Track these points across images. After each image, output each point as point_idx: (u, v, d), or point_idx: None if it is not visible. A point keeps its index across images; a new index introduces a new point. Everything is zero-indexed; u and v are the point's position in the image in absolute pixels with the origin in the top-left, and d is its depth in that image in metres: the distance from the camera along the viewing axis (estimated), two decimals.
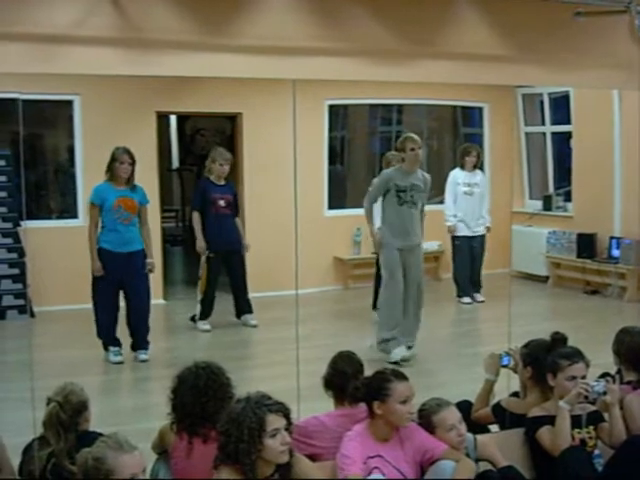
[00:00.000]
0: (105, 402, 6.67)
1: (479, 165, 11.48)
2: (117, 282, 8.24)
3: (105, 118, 10.86)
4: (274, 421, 3.63)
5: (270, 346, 9.12)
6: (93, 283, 8.29)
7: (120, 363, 8.18)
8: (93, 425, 4.30)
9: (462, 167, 11.26)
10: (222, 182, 9.64)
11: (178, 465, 4.12)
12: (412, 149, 7.99)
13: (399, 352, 7.99)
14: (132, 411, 6.87)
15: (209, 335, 9.49)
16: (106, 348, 8.34)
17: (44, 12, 4.39)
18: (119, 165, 8.13)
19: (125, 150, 8.21)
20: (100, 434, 3.91)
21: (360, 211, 12.48)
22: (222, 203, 9.54)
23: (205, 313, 9.68)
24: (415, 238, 8.18)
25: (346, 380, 4.52)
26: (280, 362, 8.26)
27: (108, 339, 8.32)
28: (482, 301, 11.28)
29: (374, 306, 9.86)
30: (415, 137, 8.12)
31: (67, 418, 4.06)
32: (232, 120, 12.82)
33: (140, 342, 8.39)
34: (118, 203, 8.12)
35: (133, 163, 8.18)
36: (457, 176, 11.27)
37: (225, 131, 16.33)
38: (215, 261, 9.58)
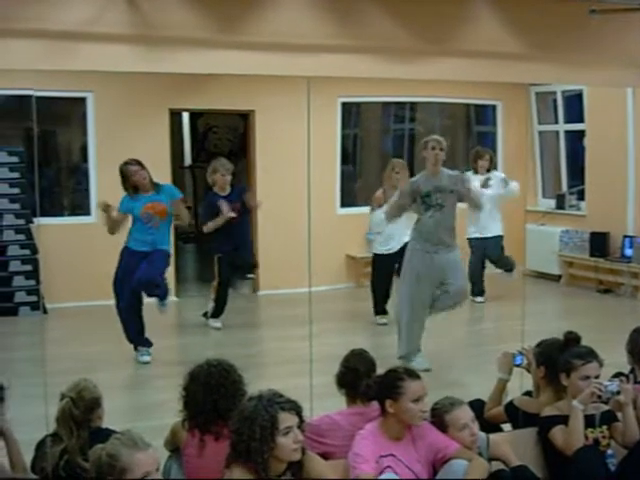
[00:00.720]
0: (117, 399, 6.68)
1: (492, 167, 11.34)
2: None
3: (118, 115, 10.88)
4: (286, 419, 3.62)
5: (282, 344, 9.11)
6: (115, 288, 8.32)
7: (147, 363, 8.17)
8: (106, 422, 4.31)
9: (475, 171, 11.15)
10: (227, 191, 9.59)
11: (190, 462, 4.12)
12: (433, 148, 7.77)
13: (422, 361, 7.80)
14: (144, 408, 6.89)
15: (220, 333, 9.49)
16: (136, 348, 8.33)
17: (58, 9, 4.40)
18: (133, 176, 8.10)
19: (129, 162, 8.18)
20: (113, 431, 3.91)
21: None
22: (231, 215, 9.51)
23: (218, 312, 9.69)
24: (447, 242, 7.84)
25: (358, 378, 4.52)
26: (292, 360, 8.26)
27: (139, 342, 8.32)
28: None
29: (377, 311, 9.88)
30: (439, 138, 7.93)
31: (80, 414, 4.07)
32: (245, 118, 12.82)
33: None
34: (145, 210, 8.11)
35: (144, 167, 8.15)
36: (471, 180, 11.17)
37: (238, 129, 16.32)
38: (225, 262, 9.57)
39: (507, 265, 11.36)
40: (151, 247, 8.16)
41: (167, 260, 8.39)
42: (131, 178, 8.10)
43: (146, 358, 8.21)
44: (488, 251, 11.22)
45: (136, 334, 8.29)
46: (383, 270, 9.91)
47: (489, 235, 11.13)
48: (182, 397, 4.21)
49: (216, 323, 9.68)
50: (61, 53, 4.42)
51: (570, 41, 5.93)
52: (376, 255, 10.01)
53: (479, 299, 11.22)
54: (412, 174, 11.43)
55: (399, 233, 9.42)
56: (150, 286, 8.20)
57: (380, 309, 9.94)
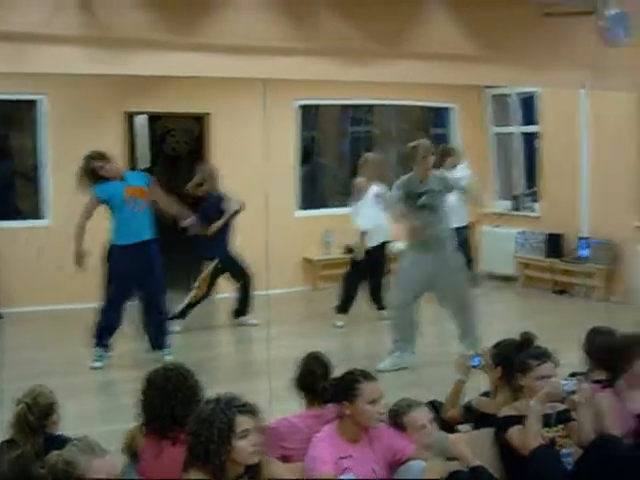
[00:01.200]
0: (73, 404, 6.62)
1: (458, 162, 11.35)
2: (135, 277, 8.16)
3: (73, 118, 10.79)
4: (244, 422, 3.60)
5: (239, 347, 9.09)
6: (110, 279, 8.29)
7: (99, 369, 8.10)
8: (62, 428, 4.27)
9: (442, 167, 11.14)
10: None
11: (147, 468, 4.09)
12: (424, 157, 7.91)
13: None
14: (101, 413, 6.83)
15: (179, 337, 9.44)
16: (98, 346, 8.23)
17: (8, 11, 4.35)
18: (99, 170, 8.04)
19: (94, 157, 8.12)
20: (68, 438, 3.88)
21: (330, 211, 12.56)
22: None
23: (183, 315, 9.68)
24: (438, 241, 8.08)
25: (316, 380, 4.52)
26: (249, 363, 8.27)
27: (104, 342, 8.24)
28: None
29: (340, 309, 9.89)
30: (427, 144, 8.09)
31: (35, 420, 4.03)
32: (200, 120, 12.77)
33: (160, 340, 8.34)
34: (129, 194, 8.03)
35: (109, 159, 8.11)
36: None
37: (194, 131, 16.27)
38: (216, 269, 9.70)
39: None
40: (140, 237, 8.07)
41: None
42: (106, 169, 8.03)
43: (98, 364, 8.10)
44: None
45: (108, 332, 8.23)
46: (360, 266, 9.90)
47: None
48: (139, 402, 4.18)
49: (176, 327, 9.66)
50: (12, 55, 4.38)
51: (524, 43, 5.99)
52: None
53: None
54: None
55: (375, 231, 9.60)
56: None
57: (343, 308, 9.94)
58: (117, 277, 8.20)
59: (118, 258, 8.17)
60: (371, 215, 9.63)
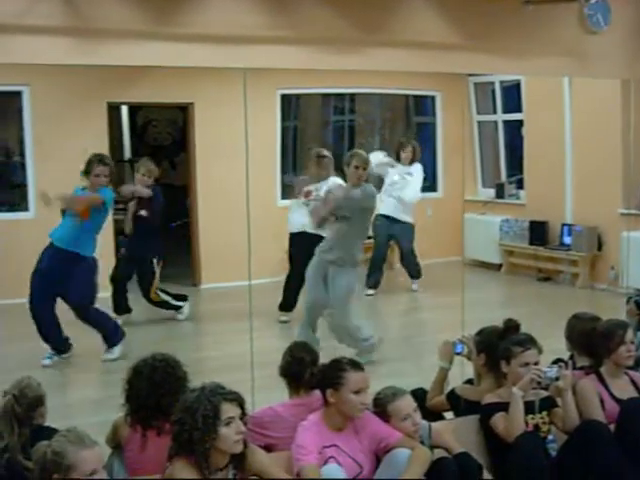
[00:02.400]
0: (58, 396, 6.61)
1: (416, 159, 11.20)
2: None
3: (55, 109, 10.74)
4: (229, 410, 3.62)
5: (223, 337, 9.08)
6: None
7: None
8: (50, 418, 4.27)
9: (398, 161, 11.11)
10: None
11: (132, 458, 4.10)
12: (356, 167, 7.60)
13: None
14: (85, 404, 6.82)
15: (160, 327, 9.42)
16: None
17: None
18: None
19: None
20: (55, 429, 3.88)
21: None
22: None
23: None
24: (338, 253, 7.73)
25: (304, 368, 4.52)
26: (233, 354, 8.24)
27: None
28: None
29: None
30: (363, 156, 7.77)
31: (22, 412, 4.03)
32: (184, 110, 12.74)
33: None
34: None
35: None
36: (392, 173, 11.12)
37: (177, 121, 16.23)
38: None
39: (414, 270, 11.49)
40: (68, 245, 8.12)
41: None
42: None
43: (48, 362, 8.02)
44: (399, 238, 11.23)
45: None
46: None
47: (399, 219, 11.14)
48: (125, 391, 4.18)
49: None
50: None
51: (506, 31, 5.99)
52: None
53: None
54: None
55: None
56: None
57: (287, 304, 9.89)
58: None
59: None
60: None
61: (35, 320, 7.98)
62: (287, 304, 9.79)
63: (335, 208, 7.64)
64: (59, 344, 8.09)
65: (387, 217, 10.95)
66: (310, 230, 8.83)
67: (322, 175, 9.31)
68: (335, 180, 8.98)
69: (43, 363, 7.91)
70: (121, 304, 9.61)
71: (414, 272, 11.41)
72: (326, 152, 9.64)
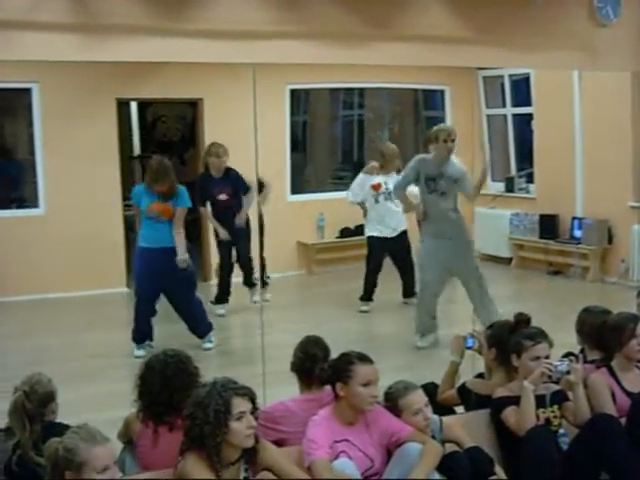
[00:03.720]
0: (70, 392, 6.62)
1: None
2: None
3: (65, 106, 10.76)
4: (240, 404, 3.63)
5: (234, 332, 9.09)
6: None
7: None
8: (60, 414, 4.28)
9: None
10: (220, 175, 9.58)
11: (144, 454, 4.11)
12: (445, 141, 7.86)
13: (423, 341, 8.21)
14: (98, 400, 6.83)
15: (176, 325, 9.43)
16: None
17: None
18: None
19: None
20: (66, 425, 3.89)
21: (323, 195, 12.57)
22: (222, 197, 9.50)
23: (222, 297, 9.85)
24: (447, 228, 8.08)
25: (316, 364, 4.52)
26: (244, 348, 8.27)
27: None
28: None
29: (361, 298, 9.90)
30: (449, 129, 8.03)
31: (33, 408, 4.04)
32: (193, 106, 12.74)
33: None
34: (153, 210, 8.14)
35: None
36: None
37: (186, 117, 16.22)
38: (224, 246, 9.67)
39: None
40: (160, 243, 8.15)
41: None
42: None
43: (140, 352, 8.05)
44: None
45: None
46: (373, 254, 9.93)
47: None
48: (137, 386, 4.20)
49: (221, 310, 9.79)
50: (2, 43, 4.35)
51: (516, 24, 5.97)
52: (368, 238, 10.00)
53: None
54: (362, 162, 11.52)
55: (393, 219, 9.69)
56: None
57: (364, 296, 9.92)
58: (136, 276, 8.34)
59: (137, 258, 8.30)
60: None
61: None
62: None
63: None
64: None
65: None
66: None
67: (389, 169, 9.71)
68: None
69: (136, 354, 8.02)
70: None
71: None
72: (392, 146, 10.00)
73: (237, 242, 9.64)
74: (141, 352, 8.03)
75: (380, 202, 9.69)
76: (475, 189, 8.13)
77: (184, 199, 8.17)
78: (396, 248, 9.80)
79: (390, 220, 9.72)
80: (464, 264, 8.17)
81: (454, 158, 8.04)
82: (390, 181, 9.47)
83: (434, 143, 7.96)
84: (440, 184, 7.93)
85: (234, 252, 9.73)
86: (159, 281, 8.09)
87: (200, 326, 8.37)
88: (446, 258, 8.03)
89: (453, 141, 7.88)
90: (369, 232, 9.92)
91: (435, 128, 8.11)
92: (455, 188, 8.04)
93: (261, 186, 9.58)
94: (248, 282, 9.98)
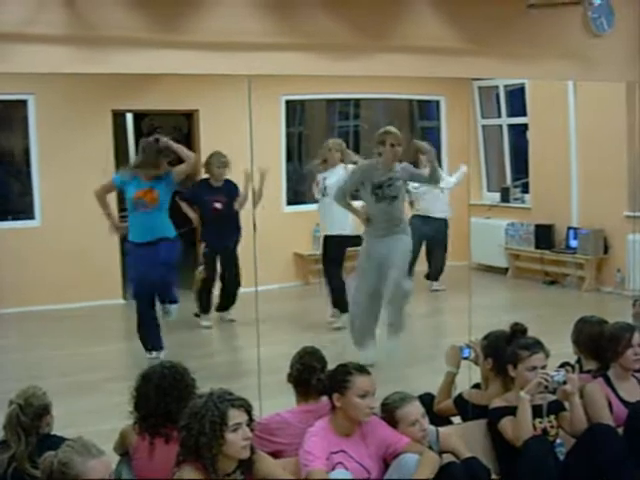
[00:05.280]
0: (65, 404, 6.61)
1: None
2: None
3: (60, 118, 10.77)
4: (236, 416, 3.63)
5: (228, 344, 9.07)
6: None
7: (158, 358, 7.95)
8: (57, 426, 4.27)
9: (415, 166, 11.18)
10: (219, 184, 9.60)
11: (140, 466, 4.10)
12: (392, 145, 7.65)
13: (367, 356, 7.57)
14: (93, 412, 6.82)
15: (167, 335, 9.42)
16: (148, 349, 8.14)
17: None
18: None
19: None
20: (61, 438, 3.89)
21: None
22: (217, 206, 9.50)
23: (205, 308, 9.77)
24: (394, 230, 7.78)
25: (314, 375, 4.52)
26: (240, 360, 8.25)
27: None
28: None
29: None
30: (396, 133, 7.79)
31: (28, 421, 4.03)
32: (189, 117, 12.75)
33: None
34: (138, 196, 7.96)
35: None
36: None
37: (182, 129, 16.22)
38: (211, 257, 9.64)
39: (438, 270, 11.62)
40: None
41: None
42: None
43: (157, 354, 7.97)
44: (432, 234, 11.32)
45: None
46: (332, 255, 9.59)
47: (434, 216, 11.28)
48: (133, 398, 4.19)
49: (206, 322, 9.76)
50: None
51: (510, 35, 5.98)
52: (326, 237, 9.68)
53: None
54: None
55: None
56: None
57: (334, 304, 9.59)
58: (131, 278, 8.18)
59: (129, 257, 8.17)
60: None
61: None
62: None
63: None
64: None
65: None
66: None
67: (329, 164, 9.55)
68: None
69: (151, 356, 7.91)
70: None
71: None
72: (333, 139, 10.02)
73: (223, 255, 9.70)
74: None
75: (320, 199, 9.56)
76: (432, 170, 7.96)
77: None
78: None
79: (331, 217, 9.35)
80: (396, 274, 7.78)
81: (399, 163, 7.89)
82: (331, 176, 9.29)
83: (380, 147, 7.70)
84: (390, 189, 7.66)
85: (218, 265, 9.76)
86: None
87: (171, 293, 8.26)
88: (382, 261, 7.76)
89: (400, 145, 7.69)
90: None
91: (382, 130, 7.88)
92: (405, 188, 7.94)
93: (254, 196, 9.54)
94: (227, 303, 9.96)
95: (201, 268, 9.66)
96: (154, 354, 7.95)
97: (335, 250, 9.36)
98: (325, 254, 9.58)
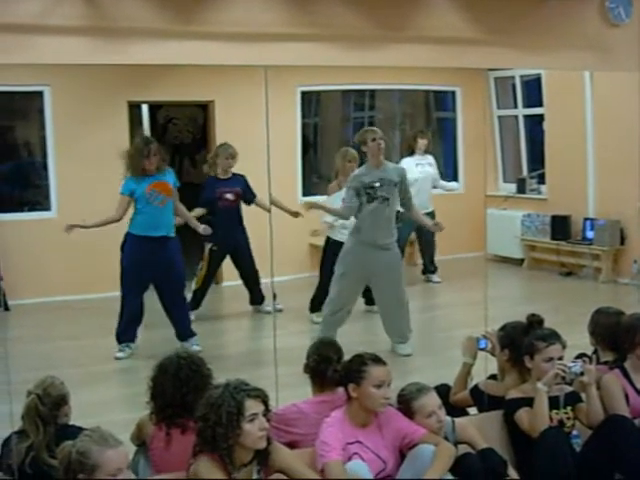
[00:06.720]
0: (82, 394, 6.63)
1: (430, 150, 11.58)
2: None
3: (76, 109, 10.79)
4: (252, 406, 3.63)
5: (247, 334, 9.08)
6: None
7: (122, 359, 8.01)
8: (73, 416, 4.29)
9: (412, 152, 11.34)
10: (228, 176, 9.58)
11: (157, 456, 4.12)
12: (373, 139, 7.64)
13: None
14: (110, 403, 6.84)
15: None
16: (119, 341, 8.14)
17: (10, 1, 4.34)
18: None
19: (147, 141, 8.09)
20: (79, 428, 3.91)
21: None
22: (229, 197, 9.49)
23: (196, 304, 9.63)
24: (385, 240, 7.78)
25: (330, 365, 4.52)
26: (257, 350, 8.26)
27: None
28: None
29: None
30: (374, 128, 7.90)
31: (46, 411, 4.07)
32: (204, 108, 12.76)
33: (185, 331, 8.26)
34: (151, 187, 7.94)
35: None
36: (409, 163, 11.12)
37: (198, 119, 16.27)
38: (216, 254, 9.59)
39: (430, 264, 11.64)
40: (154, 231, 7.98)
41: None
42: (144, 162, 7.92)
43: (121, 355, 8.02)
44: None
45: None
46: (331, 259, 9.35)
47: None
48: (149, 389, 4.21)
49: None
50: (14, 47, 4.35)
51: (527, 25, 5.95)
52: (329, 240, 9.61)
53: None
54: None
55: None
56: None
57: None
58: (128, 267, 8.09)
59: (130, 247, 8.11)
60: None
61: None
62: None
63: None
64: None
65: None
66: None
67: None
68: None
69: (119, 356, 8.01)
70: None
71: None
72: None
73: (236, 253, 9.71)
74: (121, 355, 8.03)
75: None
76: (408, 200, 7.94)
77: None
78: None
79: None
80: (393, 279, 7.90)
81: (389, 163, 7.92)
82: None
83: (364, 146, 7.75)
84: (382, 190, 7.63)
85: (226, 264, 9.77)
86: (151, 272, 7.99)
87: (187, 328, 8.29)
88: (368, 273, 7.87)
89: (382, 139, 7.67)
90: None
91: (361, 131, 7.99)
92: (395, 194, 7.76)
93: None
94: (257, 299, 9.96)
95: (201, 264, 9.62)
96: (125, 349, 8.08)
97: (335, 256, 9.31)
98: (325, 255, 9.57)
